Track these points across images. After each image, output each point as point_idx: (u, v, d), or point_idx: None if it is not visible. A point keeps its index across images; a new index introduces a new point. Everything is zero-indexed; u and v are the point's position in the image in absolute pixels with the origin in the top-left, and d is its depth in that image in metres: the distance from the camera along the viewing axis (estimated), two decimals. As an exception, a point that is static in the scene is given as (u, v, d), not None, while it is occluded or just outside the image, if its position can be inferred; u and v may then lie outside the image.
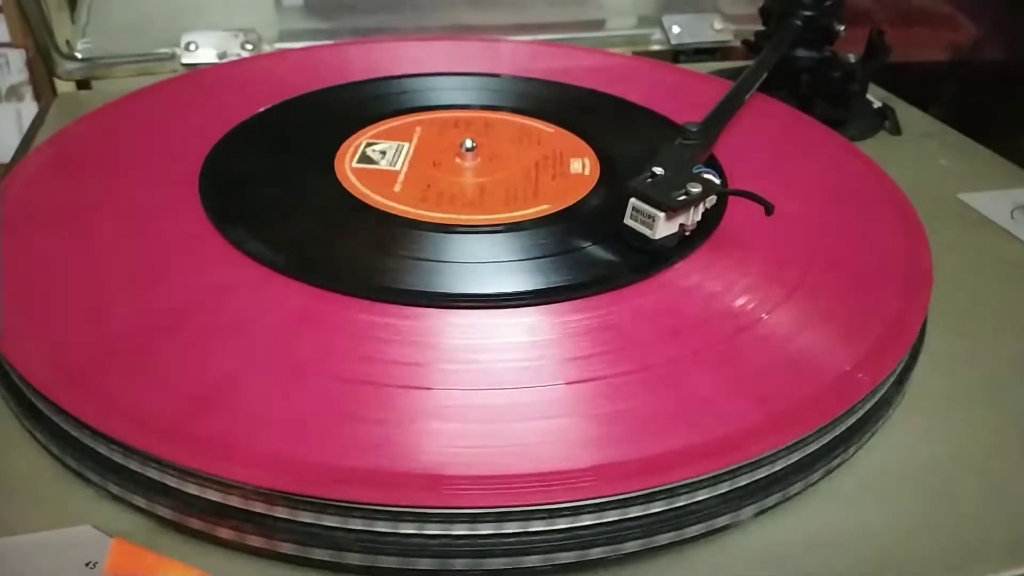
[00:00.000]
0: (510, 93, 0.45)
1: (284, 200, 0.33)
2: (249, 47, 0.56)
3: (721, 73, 0.55)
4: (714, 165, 0.35)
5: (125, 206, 0.33)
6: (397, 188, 0.34)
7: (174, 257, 0.30)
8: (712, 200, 0.31)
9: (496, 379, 0.25)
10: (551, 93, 0.45)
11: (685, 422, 0.24)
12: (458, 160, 0.37)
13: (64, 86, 0.57)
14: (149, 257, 0.30)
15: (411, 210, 0.33)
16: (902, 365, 0.28)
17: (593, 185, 0.35)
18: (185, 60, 0.55)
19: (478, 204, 0.34)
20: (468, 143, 0.37)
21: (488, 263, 0.30)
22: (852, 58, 0.50)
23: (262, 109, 0.41)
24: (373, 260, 0.30)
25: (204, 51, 0.55)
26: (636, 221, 0.30)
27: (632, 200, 0.30)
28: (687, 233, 0.31)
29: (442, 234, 0.31)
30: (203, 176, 0.34)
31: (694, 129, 0.33)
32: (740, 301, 0.29)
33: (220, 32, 0.56)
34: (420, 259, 0.30)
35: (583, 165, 0.37)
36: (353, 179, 0.35)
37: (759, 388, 0.25)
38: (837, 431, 0.26)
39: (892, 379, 0.28)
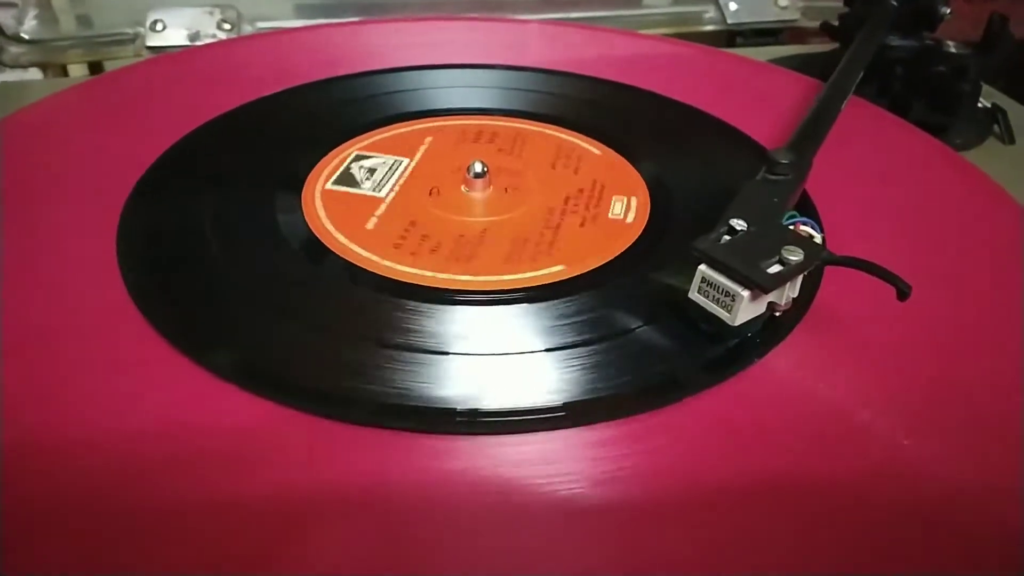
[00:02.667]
0: (545, 96, 0.36)
1: (209, 243, 0.25)
2: (227, 27, 0.48)
3: (783, 62, 0.45)
4: (808, 208, 0.26)
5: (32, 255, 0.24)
6: (370, 224, 0.26)
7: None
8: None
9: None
10: (597, 94, 0.36)
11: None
12: (464, 188, 0.28)
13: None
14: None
15: (375, 259, 0.24)
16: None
17: (640, 232, 0.27)
18: (150, 43, 0.47)
19: (473, 255, 0.25)
20: (477, 167, 0.28)
21: (473, 355, 0.21)
22: (952, 46, 0.41)
23: (228, 110, 0.33)
24: (313, 347, 0.21)
25: (172, 32, 0.47)
26: (707, 297, 0.21)
27: (702, 268, 0.21)
28: (778, 313, 0.22)
29: (407, 302, 0.22)
30: (123, 224, 0.25)
31: (784, 160, 0.24)
32: (863, 416, 0.20)
33: (192, 9, 0.47)
34: (379, 344, 0.21)
35: (626, 202, 0.28)
36: (319, 208, 0.27)
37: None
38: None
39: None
